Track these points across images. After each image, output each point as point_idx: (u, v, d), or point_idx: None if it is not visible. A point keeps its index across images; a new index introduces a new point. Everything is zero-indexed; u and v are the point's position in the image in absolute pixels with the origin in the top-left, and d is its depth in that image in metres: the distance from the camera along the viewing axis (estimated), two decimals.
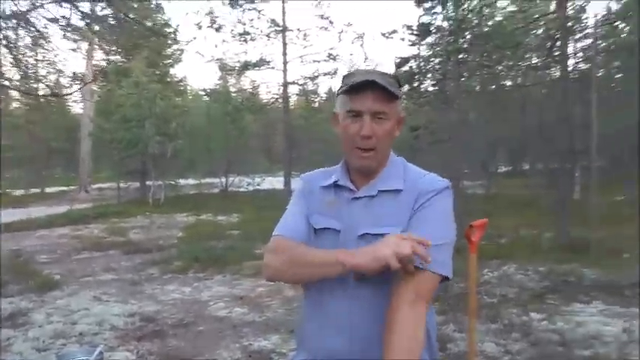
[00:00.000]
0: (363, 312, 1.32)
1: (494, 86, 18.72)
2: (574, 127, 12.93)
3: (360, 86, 1.29)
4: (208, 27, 18.11)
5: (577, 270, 6.87)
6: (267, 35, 18.63)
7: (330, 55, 18.78)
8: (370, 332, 1.29)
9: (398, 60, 10.95)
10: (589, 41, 11.80)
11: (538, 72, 15.34)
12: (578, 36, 12.31)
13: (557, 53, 9.21)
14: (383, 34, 12.01)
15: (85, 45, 26.84)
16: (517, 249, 8.57)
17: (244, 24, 18.28)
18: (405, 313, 1.20)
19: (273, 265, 1.36)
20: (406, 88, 9.80)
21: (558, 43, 8.93)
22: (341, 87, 1.37)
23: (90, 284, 7.13)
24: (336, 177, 1.43)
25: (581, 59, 13.46)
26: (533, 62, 13.87)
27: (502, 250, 8.59)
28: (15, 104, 34.88)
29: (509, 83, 19.78)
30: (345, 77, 1.40)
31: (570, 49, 13.22)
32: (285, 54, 18.87)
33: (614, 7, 16.71)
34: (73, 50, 26.90)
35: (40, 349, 4.48)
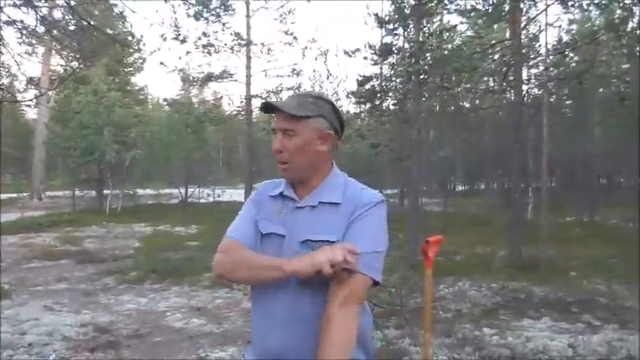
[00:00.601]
0: (302, 314, 1.42)
1: (453, 107, 19.26)
2: (527, 149, 13.45)
3: (272, 108, 1.49)
4: (173, 38, 18.02)
5: (527, 287, 7.12)
6: (231, 48, 18.68)
7: (293, 70, 18.96)
8: (308, 332, 1.39)
9: (360, 78, 11.19)
10: (542, 68, 12.34)
11: (495, 95, 15.90)
12: (531, 63, 12.87)
13: (511, 78, 9.61)
14: (346, 52, 12.26)
15: (41, 49, 26.20)
16: (472, 266, 8.82)
17: (208, 36, 18.28)
18: (337, 313, 1.33)
19: (221, 263, 1.49)
20: (367, 105, 10.00)
21: (513, 69, 9.34)
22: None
23: (41, 294, 6.93)
24: (283, 188, 1.57)
25: (534, 85, 14.03)
26: (489, 86, 14.38)
27: (458, 266, 8.82)
28: None
29: (467, 105, 20.39)
30: None
31: (525, 75, 13.77)
32: (248, 67, 18.95)
33: (565, 38, 17.60)
34: (29, 54, 26.20)
35: None
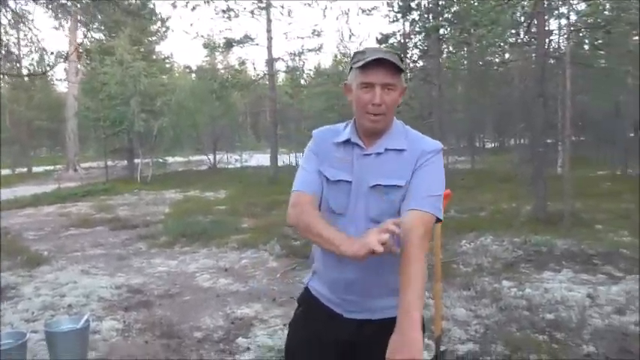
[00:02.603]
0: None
1: (480, 63, 18.79)
2: (554, 102, 13.15)
3: (373, 62, 1.53)
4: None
5: (550, 241, 7.11)
6: (251, 12, 18.57)
7: (314, 31, 18.75)
8: (377, 264, 1.54)
9: (379, 36, 11.03)
10: (571, 19, 11.86)
11: (524, 48, 15.45)
12: (559, 12, 12.39)
13: (534, 30, 9.33)
14: (363, 11, 12.08)
15: (67, 24, 26.53)
16: (495, 222, 8.82)
17: (227, 0, 18.19)
18: (416, 253, 1.45)
19: (292, 216, 1.63)
20: None
21: (536, 21, 9.05)
22: (354, 62, 1.60)
23: (78, 259, 7.28)
24: (348, 135, 1.65)
25: (564, 36, 13.54)
26: (514, 39, 13.95)
27: (481, 222, 8.84)
28: None
29: (492, 59, 19.86)
30: (356, 54, 1.63)
31: (555, 26, 13.31)
32: (269, 30, 18.82)
33: None
34: (56, 29, 26.62)
35: (29, 319, 4.64)
